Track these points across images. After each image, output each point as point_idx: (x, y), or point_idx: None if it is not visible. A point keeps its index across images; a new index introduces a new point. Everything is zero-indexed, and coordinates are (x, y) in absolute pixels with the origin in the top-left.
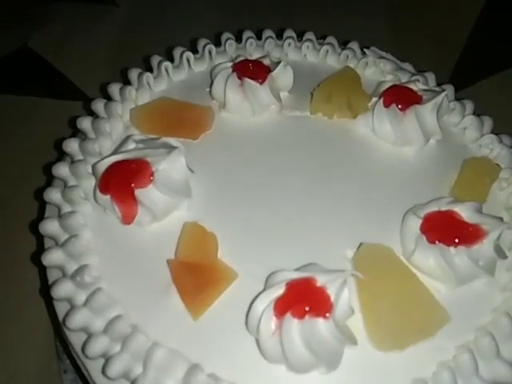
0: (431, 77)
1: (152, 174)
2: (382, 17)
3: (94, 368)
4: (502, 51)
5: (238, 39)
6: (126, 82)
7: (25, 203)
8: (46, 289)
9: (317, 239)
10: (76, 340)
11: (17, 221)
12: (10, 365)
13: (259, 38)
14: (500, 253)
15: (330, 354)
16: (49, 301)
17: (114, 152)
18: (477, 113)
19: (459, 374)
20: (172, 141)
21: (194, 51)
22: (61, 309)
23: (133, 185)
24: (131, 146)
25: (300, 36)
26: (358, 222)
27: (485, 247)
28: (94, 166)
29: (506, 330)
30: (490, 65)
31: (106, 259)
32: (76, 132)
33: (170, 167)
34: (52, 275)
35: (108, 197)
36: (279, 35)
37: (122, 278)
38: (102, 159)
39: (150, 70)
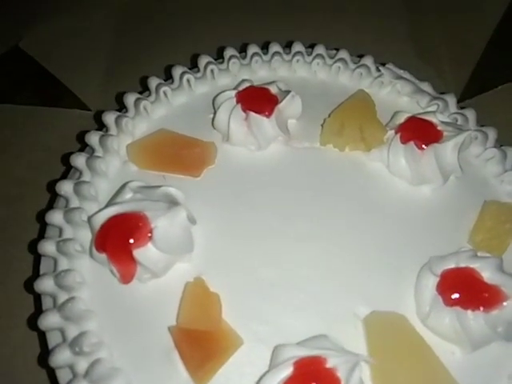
0: (452, 100)
1: (151, 231)
2: (401, 15)
3: None
4: None
5: (243, 51)
6: (121, 90)
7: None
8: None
9: (326, 295)
10: None
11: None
12: None
13: (264, 48)
14: None
15: None
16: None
17: (111, 202)
18: (496, 119)
19: None
20: (173, 190)
21: (194, 67)
22: (62, 375)
23: (131, 241)
24: (128, 195)
25: (310, 47)
26: (371, 276)
27: (504, 313)
28: (89, 219)
29: None
30: None
31: (105, 321)
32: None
33: (170, 223)
34: (51, 339)
35: (104, 255)
36: (287, 45)
37: (122, 343)
38: (98, 212)
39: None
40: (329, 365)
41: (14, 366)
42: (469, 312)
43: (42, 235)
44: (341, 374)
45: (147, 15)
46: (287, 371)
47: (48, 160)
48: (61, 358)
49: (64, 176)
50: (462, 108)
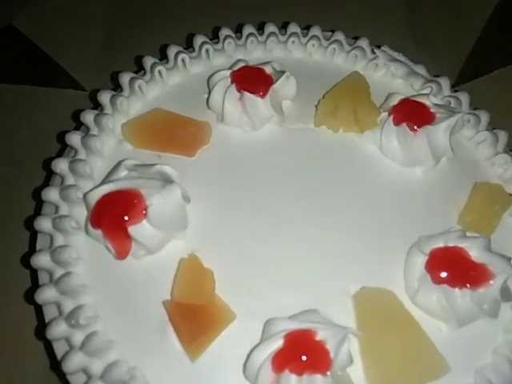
0: (445, 83)
1: (145, 208)
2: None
3: None
4: None
5: (238, 31)
6: (116, 70)
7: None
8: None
9: (318, 273)
10: (76, 381)
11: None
12: None
13: (260, 29)
14: (506, 296)
15: None
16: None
17: (106, 180)
18: (490, 104)
19: None
20: (167, 169)
21: (190, 47)
22: (59, 347)
23: (126, 218)
24: (123, 172)
25: (305, 29)
26: (361, 254)
27: (490, 291)
28: (85, 196)
29: (505, 374)
30: (508, 53)
31: (101, 295)
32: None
33: (165, 201)
34: (47, 313)
35: (100, 232)
36: (283, 26)
37: (118, 316)
38: (93, 189)
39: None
40: (318, 338)
41: (12, 340)
42: (456, 290)
43: (38, 212)
44: (330, 346)
45: None
46: (278, 344)
47: (43, 139)
48: (57, 330)
49: (59, 154)
50: (455, 91)
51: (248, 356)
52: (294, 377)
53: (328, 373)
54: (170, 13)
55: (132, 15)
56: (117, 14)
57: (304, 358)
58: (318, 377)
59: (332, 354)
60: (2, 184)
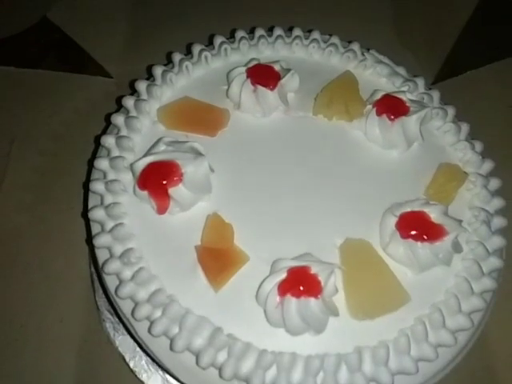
0: (421, 82)
1: (181, 175)
2: (387, 4)
3: (141, 329)
4: (498, 40)
5: (250, 33)
6: (143, 59)
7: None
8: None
9: (312, 230)
10: (125, 307)
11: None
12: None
13: (269, 31)
14: (457, 248)
15: (318, 323)
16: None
17: (148, 153)
18: (464, 103)
19: (413, 339)
20: (197, 145)
21: (210, 45)
22: (110, 280)
23: (165, 182)
24: (161, 147)
25: (308, 32)
26: (347, 216)
27: (445, 244)
28: (132, 166)
29: (453, 308)
30: (485, 53)
31: (144, 243)
32: (108, 124)
33: (196, 170)
34: (100, 255)
35: (145, 192)
36: (289, 30)
37: (158, 258)
38: (139, 159)
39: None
40: (312, 271)
41: (68, 275)
42: (418, 243)
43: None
44: (321, 278)
45: None
46: (282, 276)
47: (77, 120)
48: (112, 267)
49: (103, 132)
50: (429, 89)
51: (259, 286)
52: (293, 299)
53: (319, 297)
54: (188, 17)
55: (154, 10)
56: (141, 7)
57: (301, 286)
58: (312, 300)
59: (322, 284)
60: (47, 157)
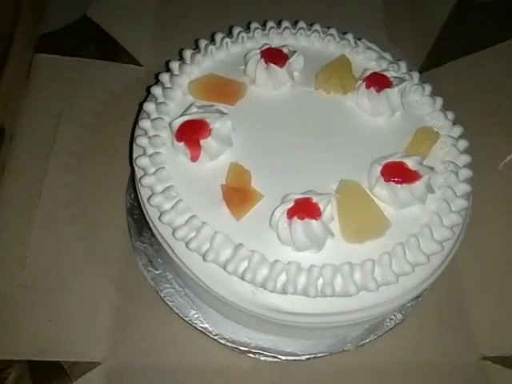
0: (403, 65)
1: (210, 130)
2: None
3: (179, 248)
4: (473, 35)
5: (263, 25)
6: (169, 50)
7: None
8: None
9: (314, 176)
10: (166, 232)
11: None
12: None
13: (279, 23)
14: (429, 189)
15: (318, 242)
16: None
17: (183, 114)
18: (446, 90)
19: (394, 257)
20: (222, 108)
21: (230, 34)
22: (153, 213)
23: (197, 136)
24: (194, 110)
25: (310, 25)
26: (342, 165)
27: (419, 185)
28: (170, 123)
29: (426, 235)
30: (463, 47)
31: (180, 183)
32: (147, 95)
33: (221, 126)
34: (144, 193)
35: (182, 144)
36: (295, 23)
37: (192, 195)
38: (176, 118)
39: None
40: (314, 201)
41: (109, 224)
42: (398, 186)
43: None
44: (320, 205)
45: None
46: (290, 204)
47: (112, 100)
48: (155, 200)
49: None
50: (411, 70)
51: (271, 214)
52: (299, 221)
53: (319, 219)
54: (211, 9)
55: (180, 5)
56: (167, 4)
57: (305, 211)
58: (313, 221)
59: (321, 210)
60: (88, 129)
